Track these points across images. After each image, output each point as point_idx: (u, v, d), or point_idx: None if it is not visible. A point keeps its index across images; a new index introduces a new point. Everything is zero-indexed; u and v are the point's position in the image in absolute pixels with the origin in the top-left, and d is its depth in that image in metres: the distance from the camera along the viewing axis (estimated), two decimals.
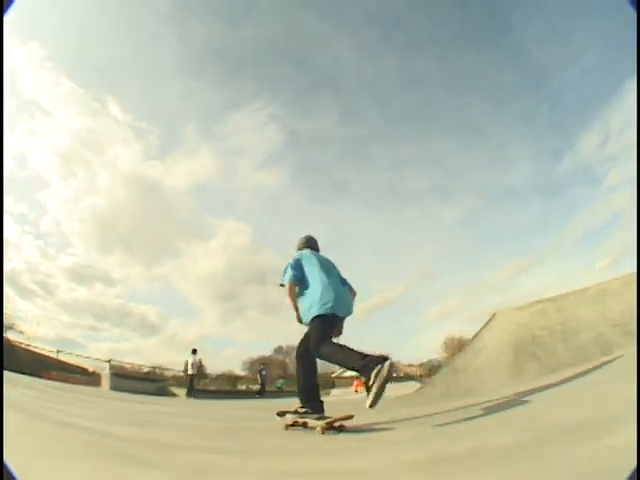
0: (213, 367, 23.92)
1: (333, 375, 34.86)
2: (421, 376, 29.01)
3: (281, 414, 2.71)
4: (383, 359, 2.15)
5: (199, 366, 13.24)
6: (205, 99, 69.83)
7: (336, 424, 2.28)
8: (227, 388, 20.56)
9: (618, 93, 65.47)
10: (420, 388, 7.54)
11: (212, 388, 18.31)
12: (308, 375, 2.71)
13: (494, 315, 6.25)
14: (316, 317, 2.60)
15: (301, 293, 2.82)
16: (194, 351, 12.75)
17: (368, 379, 2.12)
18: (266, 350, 50.41)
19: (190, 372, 12.16)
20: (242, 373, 32.75)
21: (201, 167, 68.04)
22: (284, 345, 45.41)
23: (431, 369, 32.88)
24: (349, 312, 2.80)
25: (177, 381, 15.95)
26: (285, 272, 2.86)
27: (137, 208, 64.67)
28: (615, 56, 61.64)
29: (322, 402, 2.65)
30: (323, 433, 2.20)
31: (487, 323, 6.25)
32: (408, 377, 26.99)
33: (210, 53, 66.86)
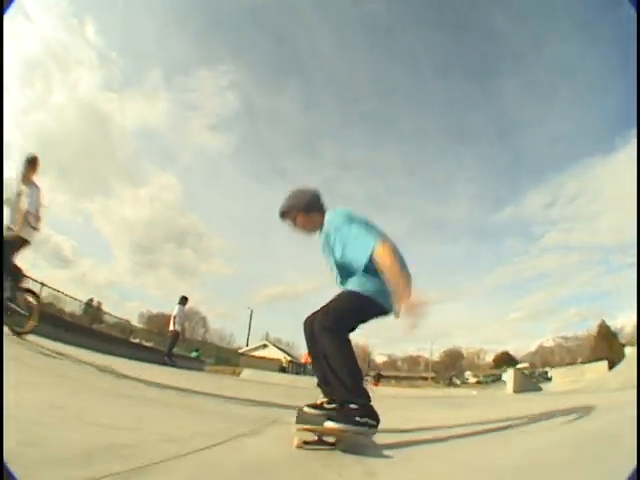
0: (112, 315, 21.70)
1: (240, 350, 34.94)
2: None
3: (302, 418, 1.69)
4: (375, 423, 1.57)
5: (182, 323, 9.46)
6: (178, 47, 64.85)
7: None
8: (120, 336, 18.73)
9: (582, 164, 73.32)
10: None
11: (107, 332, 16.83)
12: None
13: None
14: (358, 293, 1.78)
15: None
16: (183, 300, 9.40)
17: (345, 414, 1.54)
18: (168, 311, 49.29)
19: (173, 327, 9.11)
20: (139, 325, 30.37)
21: (154, 113, 68.98)
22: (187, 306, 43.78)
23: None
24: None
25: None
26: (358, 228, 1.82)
27: (82, 136, 61.74)
28: (590, 128, 68.57)
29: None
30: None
31: None
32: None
33: (196, 5, 61.30)
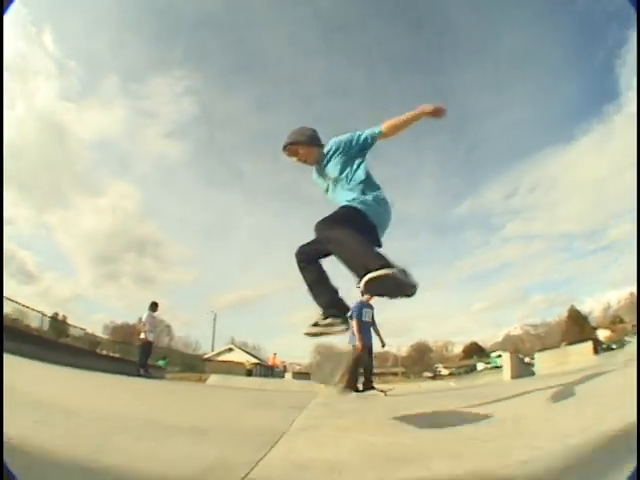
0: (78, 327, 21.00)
1: (205, 356, 34.16)
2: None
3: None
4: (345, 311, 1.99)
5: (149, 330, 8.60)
6: (133, 53, 63.52)
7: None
8: (88, 348, 18.33)
9: (540, 153, 73.79)
10: None
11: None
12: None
13: None
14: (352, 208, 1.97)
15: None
16: (153, 306, 8.65)
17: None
18: (132, 321, 48.53)
19: (145, 336, 8.35)
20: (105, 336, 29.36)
21: (110, 122, 66.88)
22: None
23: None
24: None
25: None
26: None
27: (41, 148, 60.62)
28: (548, 117, 70.91)
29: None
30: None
31: None
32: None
33: (150, 10, 60.42)
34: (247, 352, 37.07)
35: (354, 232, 1.76)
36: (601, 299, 51.99)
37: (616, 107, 65.83)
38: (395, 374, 46.76)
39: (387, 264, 1.56)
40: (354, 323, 5.68)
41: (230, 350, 35.08)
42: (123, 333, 35.23)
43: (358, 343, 5.75)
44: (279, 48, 67.65)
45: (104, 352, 19.28)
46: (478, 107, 71.32)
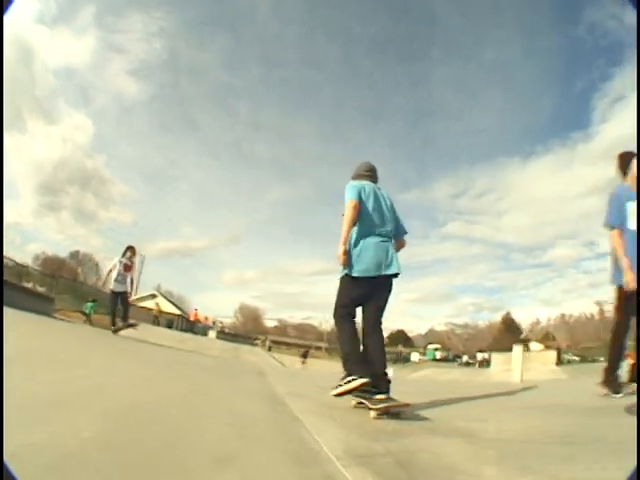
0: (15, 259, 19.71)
1: None
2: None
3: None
4: (386, 390, 2.04)
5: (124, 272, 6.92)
6: None
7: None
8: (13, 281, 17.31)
9: (497, 162, 75.56)
10: None
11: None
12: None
13: None
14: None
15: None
16: (128, 251, 7.07)
17: (354, 379, 2.01)
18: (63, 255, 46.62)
19: (114, 287, 6.66)
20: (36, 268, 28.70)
21: (79, 51, 67.44)
22: (82, 251, 41.69)
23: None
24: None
25: None
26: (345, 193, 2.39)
27: (7, 64, 48.07)
28: (514, 129, 73.26)
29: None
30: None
31: None
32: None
33: None
34: (171, 302, 36.60)
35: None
36: (530, 313, 54.78)
37: (583, 136, 70.04)
38: (319, 348, 48.87)
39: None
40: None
41: (153, 297, 34.25)
42: (53, 266, 34.35)
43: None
44: (261, 10, 66.69)
45: (29, 285, 18.03)
46: (446, 103, 72.97)
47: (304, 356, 25.27)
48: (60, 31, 66.66)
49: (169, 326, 24.32)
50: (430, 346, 40.33)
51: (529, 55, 66.25)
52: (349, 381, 2.01)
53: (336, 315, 2.29)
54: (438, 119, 75.67)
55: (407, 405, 2.05)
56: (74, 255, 45.59)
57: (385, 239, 2.36)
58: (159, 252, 67.28)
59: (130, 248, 7.19)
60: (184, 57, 72.16)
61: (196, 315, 31.19)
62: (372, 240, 2.31)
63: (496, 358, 14.39)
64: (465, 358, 30.91)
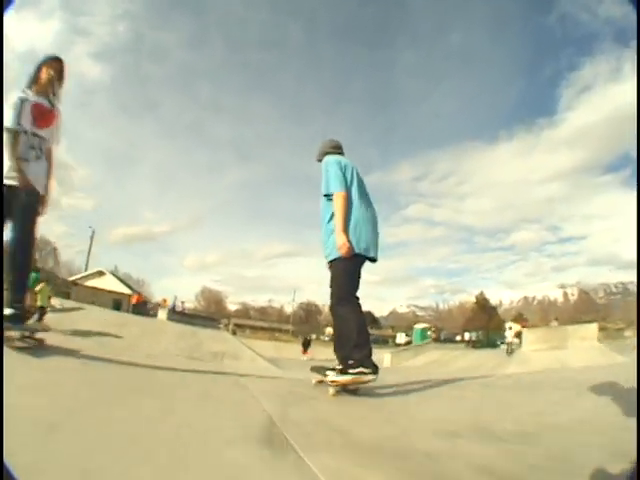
0: None
1: (72, 278, 29.35)
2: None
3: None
4: (375, 370, 2.00)
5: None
6: None
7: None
8: None
9: (460, 146, 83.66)
10: None
11: None
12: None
13: None
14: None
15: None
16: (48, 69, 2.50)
17: (350, 367, 1.98)
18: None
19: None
20: None
21: (44, 34, 70.24)
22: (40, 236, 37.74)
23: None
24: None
25: None
26: (329, 176, 2.25)
27: None
28: (478, 114, 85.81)
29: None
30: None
31: None
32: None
33: None
34: (120, 279, 33.71)
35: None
36: (494, 296, 54.72)
37: (548, 122, 72.37)
38: (286, 331, 47.35)
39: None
40: None
41: (101, 274, 31.40)
42: None
43: None
44: None
45: None
46: (410, 88, 73.40)
47: (306, 345, 20.43)
48: (26, 15, 65.10)
49: (117, 307, 22.45)
50: (417, 326, 36.58)
51: (497, 42, 67.83)
52: (361, 372, 1.97)
53: (341, 303, 2.16)
54: (401, 103, 76.58)
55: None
56: None
57: (374, 218, 2.38)
58: (121, 237, 63.05)
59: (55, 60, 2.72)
60: (147, 39, 69.12)
61: (138, 298, 27.69)
62: (364, 218, 2.26)
63: (527, 336, 13.27)
64: (468, 336, 29.42)
